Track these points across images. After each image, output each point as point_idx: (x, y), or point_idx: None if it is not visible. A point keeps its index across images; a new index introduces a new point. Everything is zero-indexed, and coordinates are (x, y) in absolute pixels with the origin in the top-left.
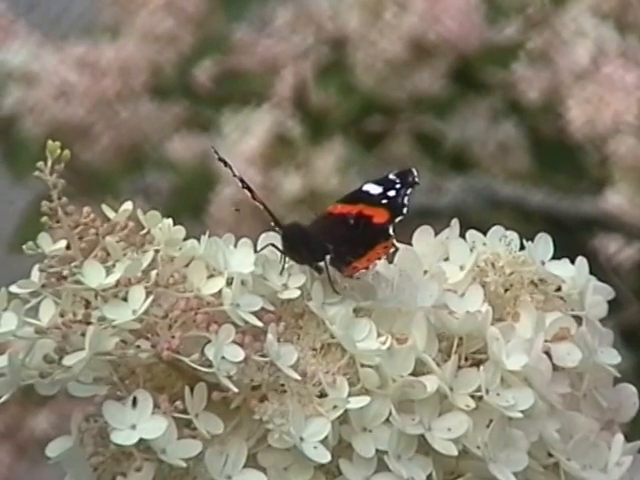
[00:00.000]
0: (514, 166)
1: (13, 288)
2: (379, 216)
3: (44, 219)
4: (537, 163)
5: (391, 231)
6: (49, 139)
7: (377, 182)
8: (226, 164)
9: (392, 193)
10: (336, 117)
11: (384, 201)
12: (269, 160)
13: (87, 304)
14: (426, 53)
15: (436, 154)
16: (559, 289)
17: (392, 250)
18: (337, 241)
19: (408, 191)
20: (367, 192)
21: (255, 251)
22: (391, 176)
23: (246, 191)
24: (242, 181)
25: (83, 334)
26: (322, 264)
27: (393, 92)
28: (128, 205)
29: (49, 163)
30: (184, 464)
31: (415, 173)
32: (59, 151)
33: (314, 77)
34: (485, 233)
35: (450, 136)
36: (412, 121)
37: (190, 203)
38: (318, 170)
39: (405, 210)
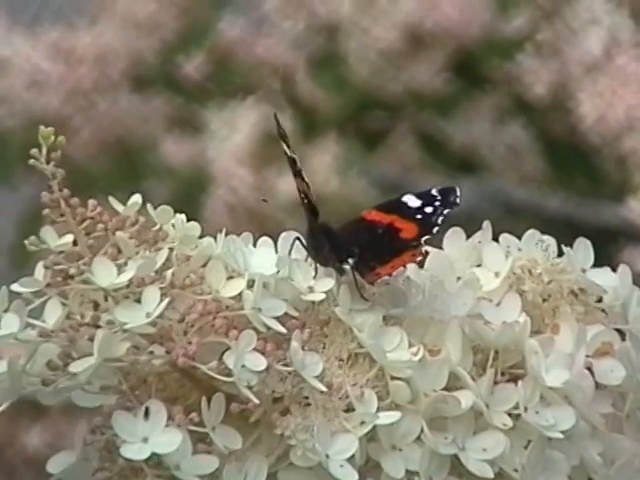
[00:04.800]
0: (527, 170)
1: (15, 287)
2: (408, 231)
3: (46, 211)
4: (551, 167)
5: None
6: (26, 133)
7: (418, 195)
8: (283, 138)
9: (429, 210)
10: (329, 112)
11: (418, 216)
12: (260, 158)
13: (96, 306)
14: (423, 43)
15: (443, 156)
16: (600, 300)
17: (421, 258)
18: (363, 246)
19: (445, 211)
20: (405, 204)
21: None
22: (433, 191)
23: (297, 178)
24: (294, 162)
25: (91, 338)
26: (345, 267)
27: (389, 85)
28: (137, 197)
29: (43, 150)
30: None
31: (458, 193)
32: (53, 137)
33: (306, 68)
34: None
35: (455, 137)
36: (414, 119)
37: (186, 209)
38: (315, 170)
39: (435, 230)
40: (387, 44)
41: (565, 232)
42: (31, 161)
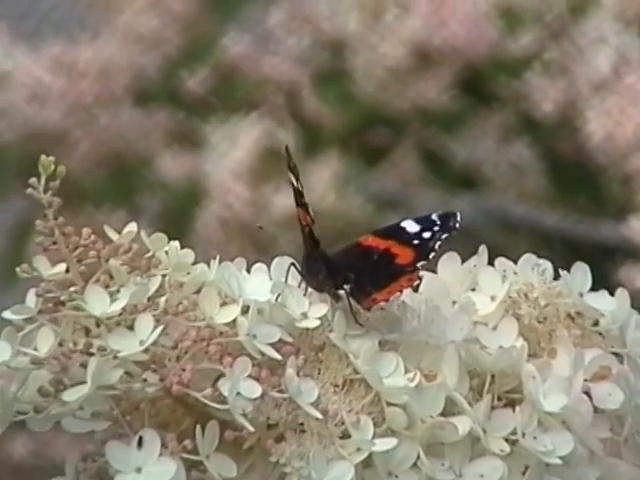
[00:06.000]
0: (528, 187)
1: (6, 314)
2: (403, 257)
3: (39, 239)
4: (554, 186)
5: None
6: (24, 146)
7: (417, 220)
8: (292, 170)
9: (427, 235)
10: (334, 128)
11: (415, 241)
12: (258, 174)
13: (87, 332)
14: (430, 60)
15: (444, 174)
16: (596, 324)
17: (417, 283)
18: (359, 272)
19: (443, 236)
20: (403, 229)
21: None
22: (433, 216)
23: (300, 209)
24: (299, 194)
25: (83, 365)
26: (340, 293)
27: (395, 102)
28: (132, 226)
29: (42, 180)
30: None
31: (458, 218)
32: (53, 167)
33: (311, 84)
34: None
35: (459, 155)
36: (418, 136)
37: (178, 223)
38: (313, 186)
39: (431, 256)
40: (394, 61)
41: (563, 249)
42: (28, 190)
